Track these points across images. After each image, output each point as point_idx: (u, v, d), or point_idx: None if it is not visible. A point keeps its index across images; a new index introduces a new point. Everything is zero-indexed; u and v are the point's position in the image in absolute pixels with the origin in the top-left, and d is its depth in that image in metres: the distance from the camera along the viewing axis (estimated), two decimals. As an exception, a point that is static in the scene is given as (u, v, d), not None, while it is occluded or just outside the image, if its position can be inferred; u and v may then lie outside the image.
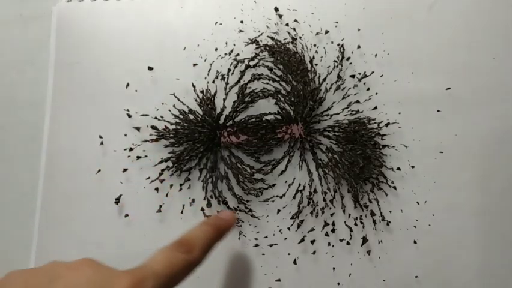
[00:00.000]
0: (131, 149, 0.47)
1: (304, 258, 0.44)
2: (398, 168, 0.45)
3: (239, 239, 0.45)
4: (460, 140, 0.46)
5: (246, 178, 0.45)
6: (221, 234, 0.37)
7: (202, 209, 0.45)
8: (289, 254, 0.44)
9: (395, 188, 0.45)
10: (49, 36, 0.51)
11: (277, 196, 0.45)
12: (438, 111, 0.46)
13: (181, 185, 0.46)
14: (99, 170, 0.47)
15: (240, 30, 0.49)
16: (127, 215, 0.46)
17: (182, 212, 0.45)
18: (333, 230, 0.44)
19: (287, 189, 0.45)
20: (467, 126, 0.46)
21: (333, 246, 0.44)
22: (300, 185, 0.45)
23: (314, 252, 0.44)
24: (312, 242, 0.44)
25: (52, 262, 0.30)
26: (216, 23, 0.50)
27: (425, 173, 0.45)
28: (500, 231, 0.44)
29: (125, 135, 0.47)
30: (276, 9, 0.49)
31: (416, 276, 0.43)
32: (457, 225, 0.44)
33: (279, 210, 0.45)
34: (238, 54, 0.49)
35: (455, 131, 0.46)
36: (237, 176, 0.45)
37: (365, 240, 0.44)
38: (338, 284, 0.44)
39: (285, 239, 0.45)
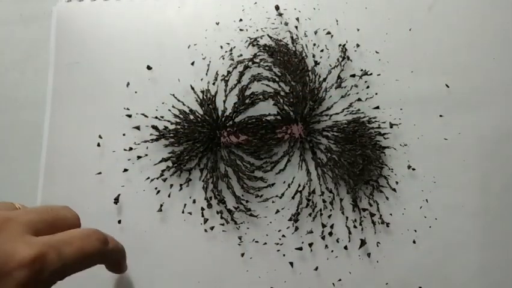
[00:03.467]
0: (130, 149, 0.47)
1: (303, 260, 0.44)
2: (398, 169, 0.45)
3: (239, 244, 0.45)
4: (460, 140, 0.46)
5: (246, 175, 0.45)
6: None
7: (203, 209, 0.45)
8: (284, 255, 0.44)
9: (394, 190, 0.45)
10: (49, 36, 0.51)
11: (276, 196, 0.45)
12: (438, 111, 0.46)
13: (181, 185, 0.46)
14: (100, 173, 0.47)
15: (240, 30, 0.49)
16: (125, 218, 0.46)
17: (183, 212, 0.45)
18: (330, 233, 0.44)
19: (286, 189, 0.45)
20: (467, 126, 0.46)
21: (332, 251, 0.44)
22: (299, 185, 0.45)
23: (312, 252, 0.44)
24: (310, 244, 0.44)
25: None
26: (218, 23, 0.50)
27: (425, 173, 0.45)
28: (500, 231, 0.44)
29: (124, 135, 0.47)
30: (277, 8, 0.49)
31: (420, 287, 0.43)
32: (457, 225, 0.44)
33: (277, 211, 0.45)
34: (240, 55, 0.48)
35: (455, 131, 0.46)
36: (237, 173, 0.45)
37: (363, 242, 0.44)
38: (334, 285, 0.44)
39: (282, 239, 0.45)
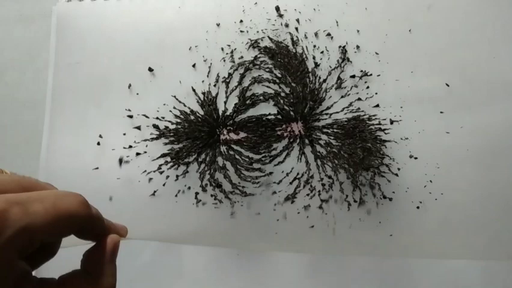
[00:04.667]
0: (130, 147, 0.47)
1: (298, 216, 0.44)
2: (400, 159, 0.45)
3: (231, 214, 0.45)
4: (460, 138, 0.45)
5: (243, 167, 0.45)
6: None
7: (197, 193, 0.45)
8: (277, 220, 0.44)
9: (396, 175, 0.45)
10: (49, 36, 0.51)
11: (274, 182, 0.45)
12: (439, 111, 0.46)
13: (177, 175, 0.46)
14: (97, 167, 0.47)
15: (241, 31, 0.49)
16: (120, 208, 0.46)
17: (176, 195, 0.46)
18: (327, 201, 0.44)
19: (284, 177, 0.45)
20: (467, 125, 0.46)
21: (326, 214, 0.44)
22: (298, 173, 0.45)
23: (308, 215, 0.44)
24: (306, 207, 0.44)
25: None
26: (219, 24, 0.50)
27: (425, 172, 0.45)
28: (500, 230, 0.44)
29: (124, 134, 0.47)
30: (277, 9, 0.49)
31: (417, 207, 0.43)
32: (458, 223, 0.44)
33: (274, 192, 0.45)
34: (241, 57, 0.48)
35: (455, 130, 0.46)
36: (234, 166, 0.45)
37: (362, 201, 0.44)
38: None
39: (277, 206, 0.45)
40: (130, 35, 0.50)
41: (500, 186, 0.44)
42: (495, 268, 0.43)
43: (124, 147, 0.47)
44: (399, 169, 0.45)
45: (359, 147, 0.45)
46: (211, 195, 0.45)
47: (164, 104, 0.48)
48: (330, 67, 0.48)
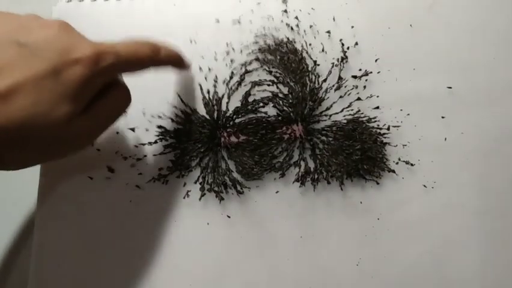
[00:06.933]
0: (128, 154, 0.47)
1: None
2: (399, 165, 0.45)
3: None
4: (461, 139, 0.46)
5: (245, 169, 0.45)
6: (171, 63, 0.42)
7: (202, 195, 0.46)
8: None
9: (394, 171, 0.45)
10: (49, 36, 0.50)
11: (274, 179, 0.46)
12: (440, 111, 0.46)
13: (177, 176, 0.46)
14: (98, 168, 0.47)
15: (240, 31, 0.49)
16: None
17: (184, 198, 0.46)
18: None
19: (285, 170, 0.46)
20: (467, 125, 0.46)
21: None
22: (299, 170, 0.46)
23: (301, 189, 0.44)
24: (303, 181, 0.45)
25: (31, 15, 0.35)
26: (218, 23, 0.49)
27: (425, 172, 0.45)
28: (500, 231, 0.44)
29: (124, 135, 0.47)
30: (285, 11, 0.49)
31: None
32: (457, 225, 0.44)
33: (277, 191, 0.46)
34: (248, 55, 0.48)
35: (455, 131, 0.46)
36: (238, 168, 0.46)
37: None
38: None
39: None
40: (129, 35, 0.50)
41: (500, 190, 0.45)
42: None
43: (125, 150, 0.47)
44: (403, 178, 0.45)
45: (358, 148, 0.45)
46: (209, 190, 0.46)
47: (163, 103, 0.48)
48: (332, 65, 0.47)
